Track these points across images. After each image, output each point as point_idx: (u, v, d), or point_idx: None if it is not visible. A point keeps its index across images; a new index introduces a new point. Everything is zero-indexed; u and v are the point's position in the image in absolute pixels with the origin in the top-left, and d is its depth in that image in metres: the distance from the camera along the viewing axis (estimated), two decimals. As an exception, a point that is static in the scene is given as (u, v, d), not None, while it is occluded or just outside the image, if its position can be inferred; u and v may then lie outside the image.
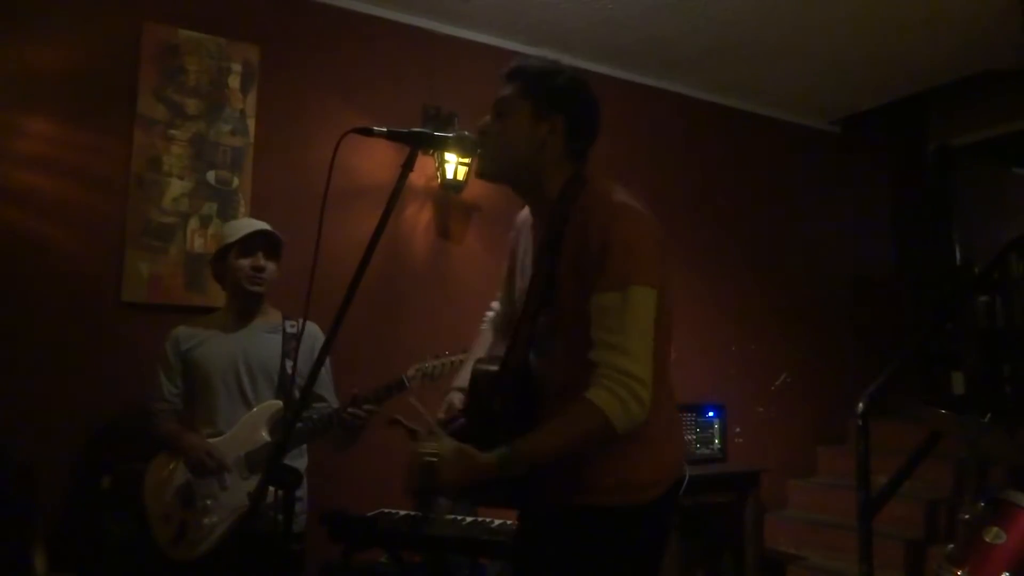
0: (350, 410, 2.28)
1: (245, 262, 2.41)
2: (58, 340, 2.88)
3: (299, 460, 2.43)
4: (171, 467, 2.34)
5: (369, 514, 2.66)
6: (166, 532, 2.27)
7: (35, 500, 2.66)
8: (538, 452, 1.36)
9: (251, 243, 2.43)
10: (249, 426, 2.33)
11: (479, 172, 1.62)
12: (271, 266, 2.46)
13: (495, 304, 1.88)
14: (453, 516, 2.68)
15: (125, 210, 3.03)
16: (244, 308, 2.48)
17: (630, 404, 1.33)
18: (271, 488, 1.80)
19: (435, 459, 1.34)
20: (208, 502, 2.26)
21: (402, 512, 2.73)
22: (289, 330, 2.46)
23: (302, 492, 2.41)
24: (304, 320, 1.86)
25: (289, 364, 2.39)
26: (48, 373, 2.86)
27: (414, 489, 1.41)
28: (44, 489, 2.71)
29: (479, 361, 1.63)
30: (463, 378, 1.68)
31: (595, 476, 1.44)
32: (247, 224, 2.50)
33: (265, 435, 2.32)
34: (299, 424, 2.38)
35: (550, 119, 1.53)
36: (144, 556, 2.32)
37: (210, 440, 2.33)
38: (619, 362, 1.34)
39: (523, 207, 1.72)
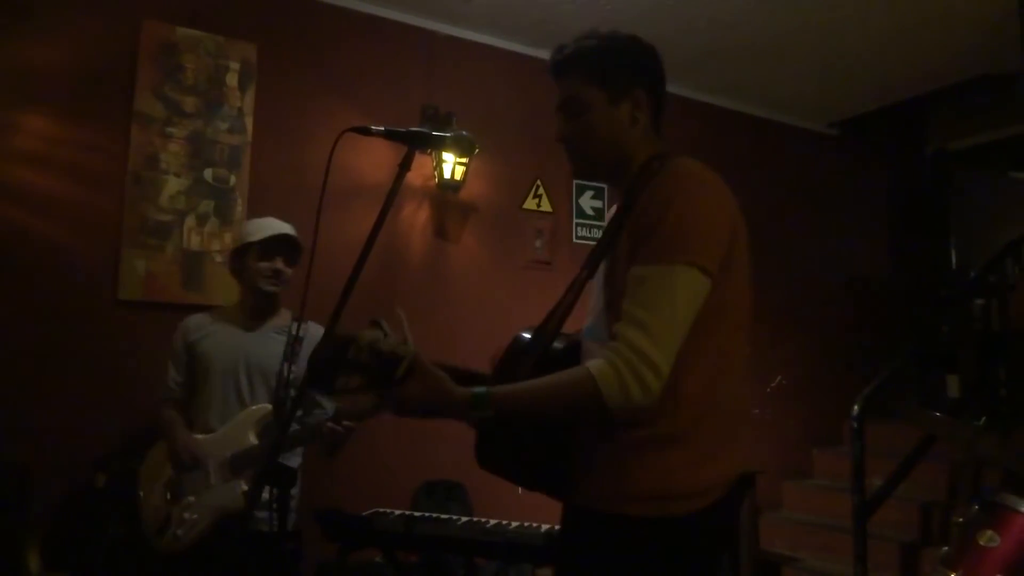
0: (330, 425, 2.28)
1: (264, 265, 2.40)
2: (54, 338, 2.88)
3: (293, 458, 2.44)
4: (164, 459, 2.35)
5: (364, 513, 2.66)
6: (153, 522, 2.30)
7: (30, 499, 2.66)
8: (515, 401, 1.24)
9: (272, 246, 2.41)
10: (238, 427, 2.34)
11: (576, 174, 1.52)
12: (288, 270, 2.44)
13: None
14: (449, 516, 2.68)
15: (122, 208, 3.03)
16: (257, 307, 2.47)
17: (630, 385, 1.18)
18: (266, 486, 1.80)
19: (407, 359, 1.22)
20: (191, 498, 2.29)
21: (397, 512, 2.73)
22: (296, 332, 2.45)
23: (295, 490, 2.41)
24: (300, 320, 1.84)
25: (287, 367, 2.38)
26: (43, 371, 2.85)
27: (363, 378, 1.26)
28: (39, 488, 2.71)
29: (524, 329, 1.47)
30: None
31: (629, 482, 1.28)
32: (269, 225, 2.46)
33: (252, 438, 2.33)
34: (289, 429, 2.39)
35: (629, 96, 1.41)
36: (138, 555, 2.33)
37: (200, 437, 2.35)
38: (636, 340, 1.19)
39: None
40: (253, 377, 2.41)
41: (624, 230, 1.33)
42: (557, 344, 1.43)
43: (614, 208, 1.51)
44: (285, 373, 2.37)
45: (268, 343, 2.44)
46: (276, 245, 2.42)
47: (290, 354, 2.39)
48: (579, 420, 1.31)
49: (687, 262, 1.23)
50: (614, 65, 1.42)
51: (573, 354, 1.40)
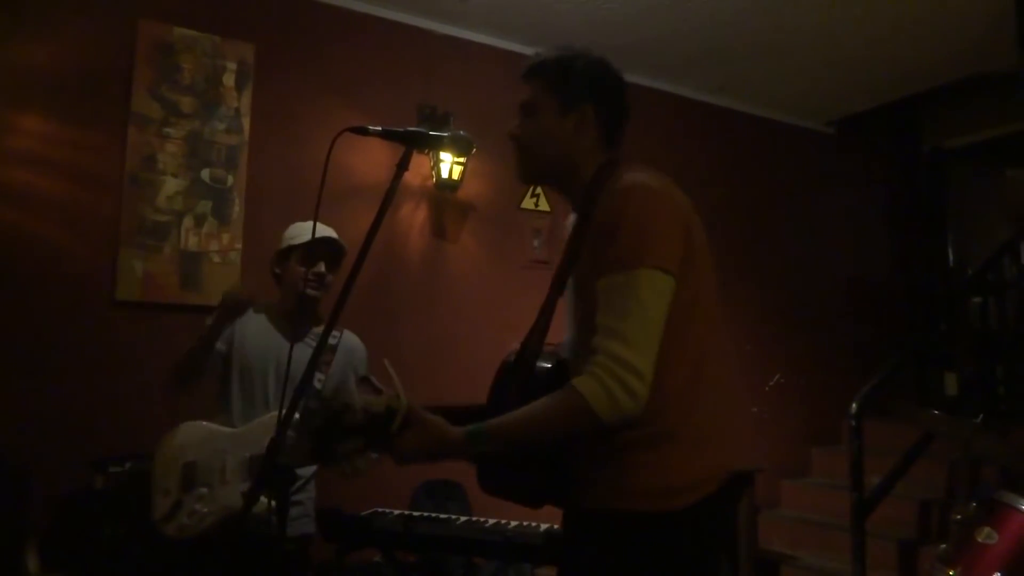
0: None
1: (306, 269, 2.36)
2: (51, 339, 2.87)
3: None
4: (185, 442, 2.30)
5: (363, 513, 2.66)
6: (162, 507, 2.26)
7: (28, 500, 2.66)
8: (511, 431, 1.29)
9: (315, 250, 2.37)
10: (260, 430, 2.30)
11: (520, 177, 1.58)
12: (331, 276, 2.41)
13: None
14: (448, 516, 2.68)
15: (119, 208, 3.02)
16: (298, 312, 2.42)
17: (617, 395, 1.23)
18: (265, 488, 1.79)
19: (400, 412, 1.29)
20: (204, 490, 2.25)
21: (396, 511, 2.73)
22: (330, 341, 2.41)
23: (303, 496, 2.39)
24: (298, 320, 1.83)
25: (317, 376, 2.32)
26: (41, 372, 2.85)
27: (361, 439, 1.35)
28: (37, 489, 2.70)
29: (511, 352, 1.53)
30: None
31: (627, 479, 1.33)
32: (313, 229, 2.44)
33: None
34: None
35: (579, 109, 1.48)
36: (136, 556, 2.32)
37: (224, 430, 2.30)
38: (614, 349, 1.25)
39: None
40: (281, 382, 2.34)
41: (585, 242, 1.39)
42: (544, 363, 1.47)
43: (571, 218, 1.58)
44: (315, 382, 2.31)
45: (303, 351, 2.39)
46: (319, 250, 2.38)
47: (322, 363, 2.32)
48: (575, 436, 1.34)
49: (648, 265, 1.29)
50: (569, 77, 1.49)
51: (560, 372, 1.44)
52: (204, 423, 2.34)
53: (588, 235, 1.38)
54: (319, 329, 2.41)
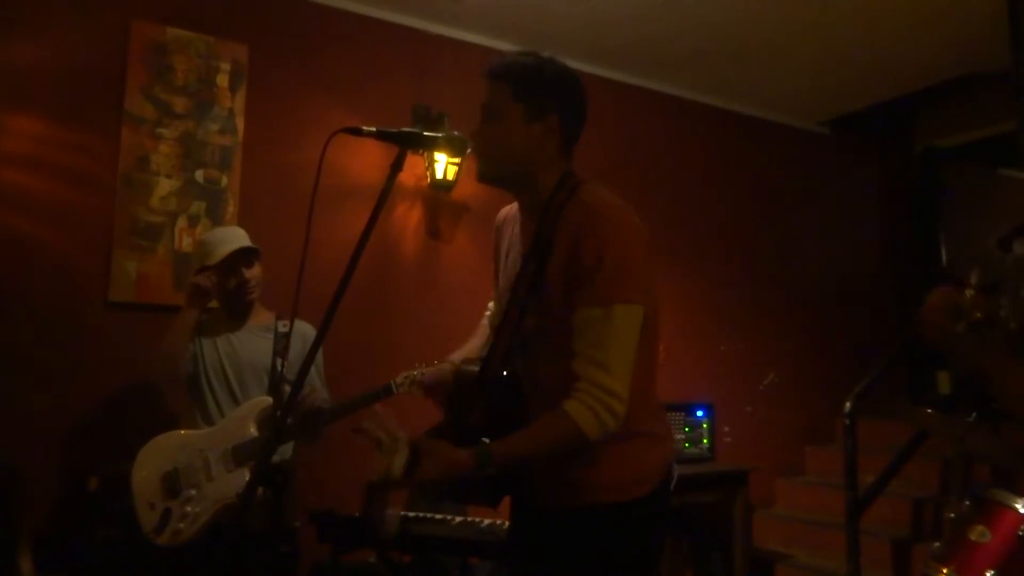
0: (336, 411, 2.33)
1: (233, 281, 2.49)
2: (45, 340, 2.86)
3: (285, 450, 2.47)
4: (159, 455, 2.35)
5: (358, 514, 2.65)
6: (150, 519, 2.29)
7: (21, 501, 2.65)
8: (513, 454, 1.41)
9: (230, 261, 2.47)
10: (238, 420, 2.36)
11: (478, 175, 1.62)
12: (255, 273, 2.51)
13: (491, 304, 1.92)
14: (443, 516, 2.68)
15: (112, 209, 3.02)
16: (236, 310, 2.55)
17: (604, 418, 1.38)
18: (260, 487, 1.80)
19: (415, 453, 1.38)
20: (192, 491, 2.29)
21: (391, 511, 2.72)
22: (281, 330, 2.52)
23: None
24: (292, 319, 1.88)
25: (280, 363, 2.42)
26: (34, 373, 2.84)
27: (394, 485, 1.44)
28: (30, 490, 2.69)
29: (466, 362, 1.65)
30: (461, 354, 1.76)
31: (595, 476, 1.48)
32: (221, 241, 2.52)
33: (253, 430, 2.35)
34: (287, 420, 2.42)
35: (545, 119, 1.51)
36: (130, 558, 2.32)
37: (199, 431, 2.38)
38: (599, 378, 1.39)
39: (505, 205, 1.73)
40: (243, 375, 2.46)
41: (550, 260, 1.47)
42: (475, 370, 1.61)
43: (513, 212, 1.67)
44: (280, 368, 2.41)
45: (254, 342, 2.51)
46: (234, 259, 2.48)
47: (282, 350, 2.46)
48: (567, 452, 1.45)
49: (624, 300, 1.41)
50: (538, 87, 1.52)
51: (506, 384, 1.56)
52: (176, 432, 2.42)
53: (558, 256, 1.45)
54: (257, 319, 2.57)
